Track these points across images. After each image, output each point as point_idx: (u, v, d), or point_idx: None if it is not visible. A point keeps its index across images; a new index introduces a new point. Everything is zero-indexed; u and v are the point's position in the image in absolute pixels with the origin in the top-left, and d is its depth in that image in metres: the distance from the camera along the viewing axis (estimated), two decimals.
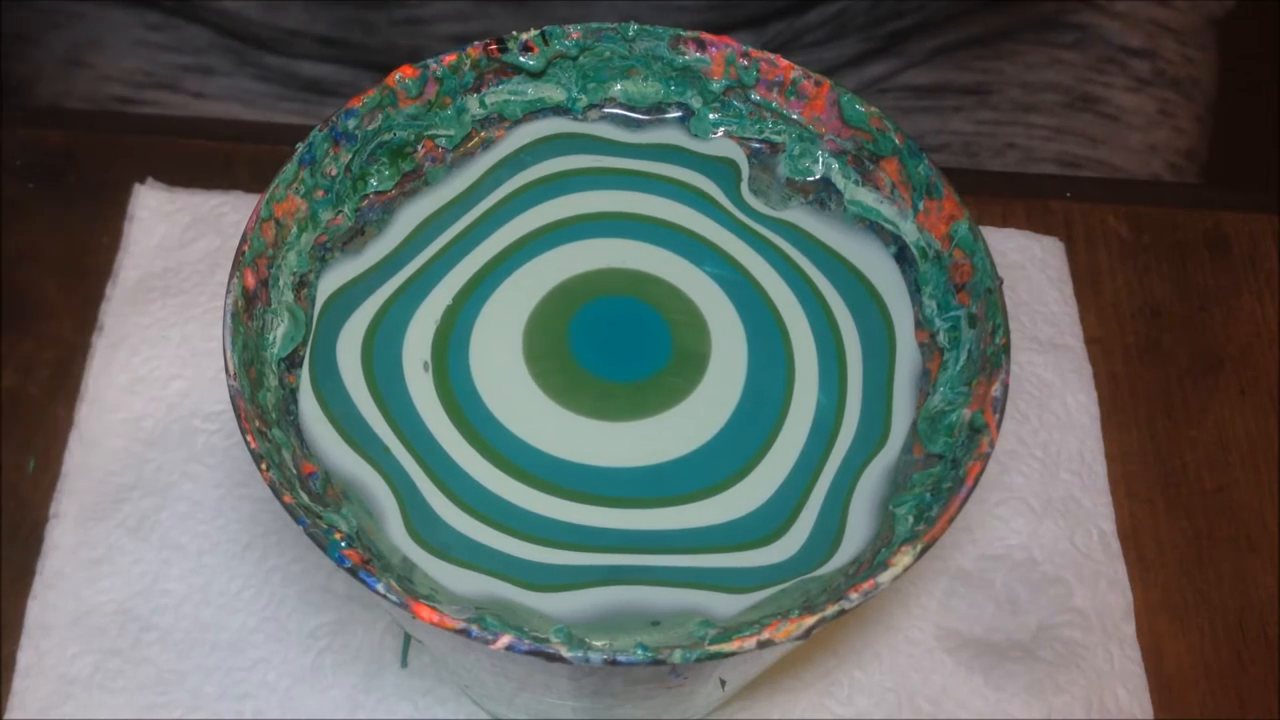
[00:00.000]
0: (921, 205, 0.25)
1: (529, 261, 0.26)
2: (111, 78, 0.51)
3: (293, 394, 0.23)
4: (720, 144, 0.27)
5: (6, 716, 0.31)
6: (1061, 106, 0.52)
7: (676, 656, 0.19)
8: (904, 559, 0.20)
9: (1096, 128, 0.51)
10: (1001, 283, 0.23)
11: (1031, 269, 0.39)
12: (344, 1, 0.48)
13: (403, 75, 0.26)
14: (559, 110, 0.28)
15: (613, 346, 0.25)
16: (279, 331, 0.24)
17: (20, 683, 0.31)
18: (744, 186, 0.27)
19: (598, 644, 0.20)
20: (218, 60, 0.51)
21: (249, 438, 0.21)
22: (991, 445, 0.22)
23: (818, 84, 0.26)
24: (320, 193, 0.25)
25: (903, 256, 0.26)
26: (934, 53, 0.53)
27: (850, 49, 0.54)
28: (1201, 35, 0.55)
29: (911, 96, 0.53)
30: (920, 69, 0.53)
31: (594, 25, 0.27)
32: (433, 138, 0.27)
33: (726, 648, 0.20)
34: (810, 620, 0.20)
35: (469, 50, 0.26)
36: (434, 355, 0.24)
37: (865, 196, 0.26)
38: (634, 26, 0.27)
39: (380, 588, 0.20)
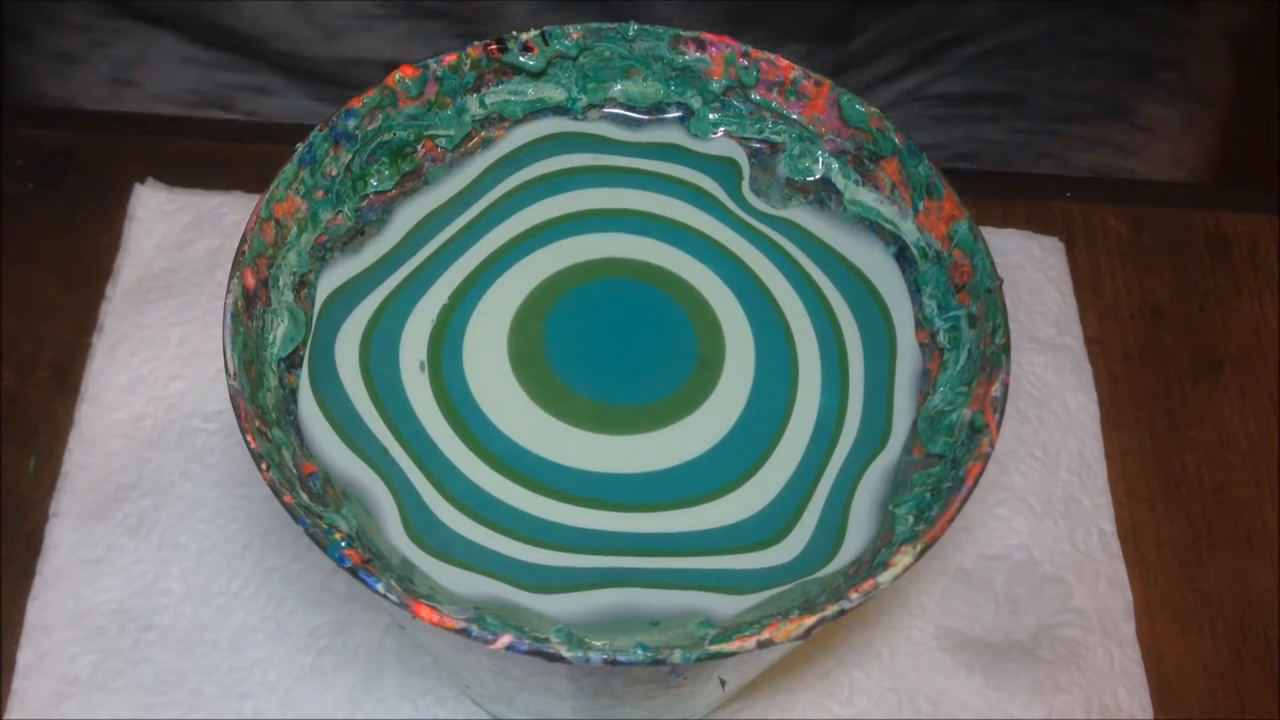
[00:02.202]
0: (921, 205, 0.25)
1: (526, 257, 0.26)
2: (161, 98, 0.50)
3: (292, 394, 0.23)
4: (720, 144, 0.27)
5: (6, 716, 0.31)
6: (1095, 116, 0.51)
7: (676, 656, 0.19)
8: (904, 559, 0.20)
9: (1127, 138, 0.51)
10: (1001, 283, 0.23)
11: (1031, 269, 0.39)
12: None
13: (403, 75, 0.26)
14: (559, 110, 0.28)
15: (615, 348, 0.25)
16: (279, 331, 0.24)
17: (20, 682, 0.31)
18: (745, 185, 0.27)
19: (597, 644, 0.20)
20: (269, 80, 0.50)
21: (249, 438, 0.21)
22: (991, 445, 0.22)
23: (817, 84, 0.26)
24: (320, 193, 0.25)
25: (903, 256, 0.26)
26: (967, 61, 0.53)
27: (888, 66, 0.53)
28: (1222, 44, 0.55)
29: (943, 105, 0.53)
30: (953, 78, 0.53)
31: (594, 25, 0.27)
32: (433, 137, 0.27)
33: (726, 648, 0.20)
34: (810, 620, 0.20)
35: (469, 50, 0.26)
36: (430, 355, 0.24)
37: (865, 196, 0.26)
38: (634, 26, 0.27)
39: (380, 588, 0.20)
